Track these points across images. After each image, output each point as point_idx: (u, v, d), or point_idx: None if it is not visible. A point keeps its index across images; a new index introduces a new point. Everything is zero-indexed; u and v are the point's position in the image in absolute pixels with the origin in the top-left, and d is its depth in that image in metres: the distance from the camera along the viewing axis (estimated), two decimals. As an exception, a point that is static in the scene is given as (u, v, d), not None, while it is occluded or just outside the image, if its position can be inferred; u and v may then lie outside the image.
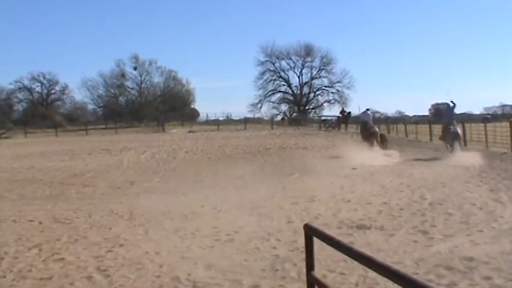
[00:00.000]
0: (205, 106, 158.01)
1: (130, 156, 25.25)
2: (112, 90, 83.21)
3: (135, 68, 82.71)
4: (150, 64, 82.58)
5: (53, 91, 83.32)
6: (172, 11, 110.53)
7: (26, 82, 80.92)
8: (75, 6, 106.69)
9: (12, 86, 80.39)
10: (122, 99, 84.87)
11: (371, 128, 23.90)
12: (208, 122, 69.33)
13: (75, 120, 74.82)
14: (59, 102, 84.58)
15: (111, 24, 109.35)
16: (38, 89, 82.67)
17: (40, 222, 10.01)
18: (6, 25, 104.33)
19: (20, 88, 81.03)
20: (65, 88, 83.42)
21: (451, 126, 20.40)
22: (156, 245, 8.03)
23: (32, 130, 59.01)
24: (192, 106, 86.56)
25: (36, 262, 7.22)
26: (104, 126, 64.04)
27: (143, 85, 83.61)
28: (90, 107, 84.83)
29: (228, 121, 69.60)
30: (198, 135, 44.25)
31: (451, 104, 20.87)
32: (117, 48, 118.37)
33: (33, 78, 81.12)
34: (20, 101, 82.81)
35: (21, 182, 16.66)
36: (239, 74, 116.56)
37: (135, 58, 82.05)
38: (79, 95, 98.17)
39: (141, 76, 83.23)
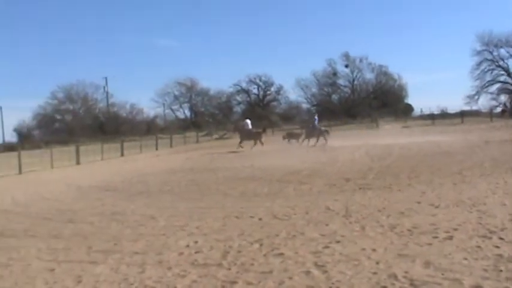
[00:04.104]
0: (419, 101, 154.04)
1: (344, 153, 25.42)
2: (325, 89, 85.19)
3: (346, 66, 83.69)
4: (361, 61, 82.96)
5: (268, 92, 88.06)
6: (378, 7, 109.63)
7: (244, 85, 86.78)
8: (285, 10, 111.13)
9: (231, 89, 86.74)
10: (334, 97, 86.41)
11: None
12: (422, 117, 67.37)
13: (291, 119, 77.59)
14: (275, 103, 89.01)
15: (320, 25, 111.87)
16: (255, 90, 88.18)
17: (260, 219, 10.43)
18: (224, 34, 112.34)
19: (238, 91, 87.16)
20: (279, 89, 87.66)
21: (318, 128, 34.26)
22: (373, 241, 7.91)
23: (251, 130, 62.13)
24: (405, 101, 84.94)
25: (258, 256, 7.52)
26: (318, 125, 65.36)
27: (355, 82, 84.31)
28: (304, 105, 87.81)
29: (443, 115, 66.95)
30: (413, 131, 43.05)
31: (315, 115, 36.35)
32: (327, 48, 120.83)
33: (250, 81, 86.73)
34: (239, 103, 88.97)
35: (243, 180, 17.53)
36: (452, 66, 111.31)
37: (346, 56, 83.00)
38: (293, 94, 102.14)
39: (352, 73, 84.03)
